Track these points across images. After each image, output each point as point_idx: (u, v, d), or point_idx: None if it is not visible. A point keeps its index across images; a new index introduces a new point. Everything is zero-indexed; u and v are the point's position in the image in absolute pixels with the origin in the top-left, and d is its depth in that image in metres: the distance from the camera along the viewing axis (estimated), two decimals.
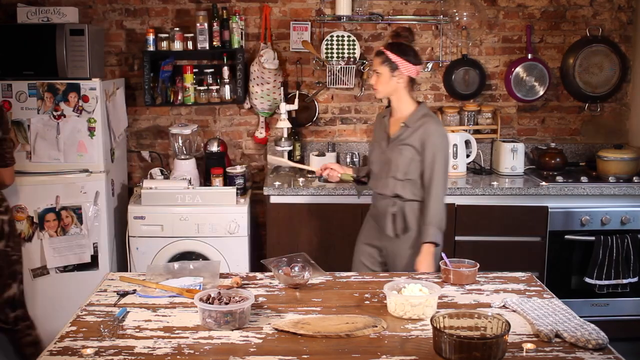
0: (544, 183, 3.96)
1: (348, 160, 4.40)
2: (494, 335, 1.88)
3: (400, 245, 3.01)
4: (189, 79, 4.25)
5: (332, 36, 4.33)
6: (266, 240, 4.01)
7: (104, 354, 1.91)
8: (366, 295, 2.39)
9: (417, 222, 2.97)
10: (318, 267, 2.58)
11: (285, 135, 4.24)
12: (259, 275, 2.63)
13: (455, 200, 3.88)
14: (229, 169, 4.15)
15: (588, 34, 4.44)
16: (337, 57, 4.33)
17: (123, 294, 2.37)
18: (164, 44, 4.19)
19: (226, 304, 2.09)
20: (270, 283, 2.52)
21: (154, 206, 3.85)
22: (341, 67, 4.31)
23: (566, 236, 3.91)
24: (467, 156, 4.30)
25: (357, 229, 3.87)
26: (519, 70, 4.43)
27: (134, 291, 2.40)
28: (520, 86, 4.45)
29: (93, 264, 3.85)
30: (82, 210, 3.78)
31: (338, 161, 4.44)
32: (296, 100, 4.31)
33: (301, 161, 4.43)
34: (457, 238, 3.91)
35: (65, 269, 3.82)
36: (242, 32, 4.31)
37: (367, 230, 3.19)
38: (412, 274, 2.66)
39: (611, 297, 3.96)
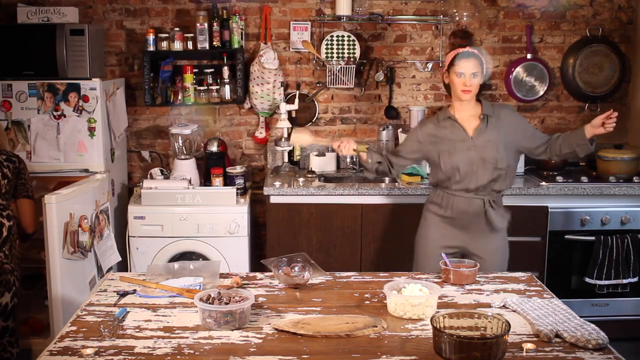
0: (544, 183, 3.96)
1: (348, 160, 4.41)
2: (494, 335, 1.88)
3: (492, 241, 3.08)
4: (189, 79, 4.25)
5: (332, 36, 4.33)
6: (266, 240, 4.01)
7: (104, 354, 1.91)
8: (366, 295, 2.39)
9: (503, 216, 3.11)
10: (318, 267, 2.58)
11: (285, 135, 4.24)
12: (259, 275, 2.63)
13: None
14: (229, 169, 4.15)
15: (588, 34, 4.45)
16: (337, 57, 4.33)
17: (123, 294, 2.37)
18: (164, 44, 4.19)
19: (226, 304, 2.09)
20: (270, 283, 2.52)
21: (154, 206, 3.85)
22: (341, 67, 4.31)
23: (566, 236, 3.91)
24: None
25: (357, 229, 3.90)
26: (519, 70, 4.43)
27: (134, 291, 2.41)
28: (520, 86, 4.45)
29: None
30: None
31: (338, 161, 4.45)
32: (296, 100, 4.31)
33: (297, 163, 4.44)
34: None
35: None
36: (242, 32, 4.31)
37: (442, 233, 3.13)
38: (412, 274, 2.66)
39: (611, 297, 3.96)
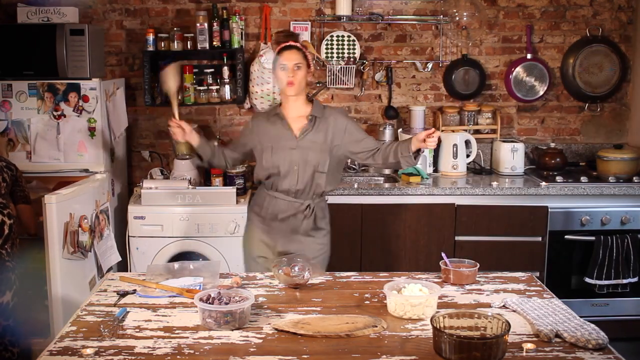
0: (544, 183, 3.96)
1: (348, 160, 4.40)
2: (494, 335, 1.88)
3: (312, 244, 3.05)
4: (189, 79, 4.25)
5: (332, 36, 4.33)
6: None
7: (104, 354, 1.91)
8: (366, 295, 2.39)
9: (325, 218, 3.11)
10: (318, 267, 2.58)
11: None
12: (259, 275, 2.63)
13: (455, 200, 3.88)
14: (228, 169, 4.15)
15: (588, 34, 4.45)
16: (337, 57, 4.33)
17: (123, 294, 2.37)
18: (164, 44, 4.19)
19: (226, 304, 2.09)
20: (270, 283, 2.52)
21: (154, 206, 3.85)
22: (341, 67, 4.32)
23: (566, 236, 3.91)
24: (467, 156, 4.30)
25: (357, 229, 3.90)
26: (519, 70, 4.44)
27: (134, 291, 2.40)
28: (520, 86, 4.45)
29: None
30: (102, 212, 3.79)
31: None
32: None
33: None
34: (457, 238, 3.91)
35: None
36: (242, 32, 4.31)
37: (264, 236, 3.09)
38: (412, 274, 2.66)
39: (611, 297, 3.96)
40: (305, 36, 4.36)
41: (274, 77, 3.04)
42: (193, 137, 2.99)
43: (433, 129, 2.78)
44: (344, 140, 2.98)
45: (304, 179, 2.96)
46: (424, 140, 2.77)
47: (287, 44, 2.96)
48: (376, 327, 2.08)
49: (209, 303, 2.09)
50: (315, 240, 3.07)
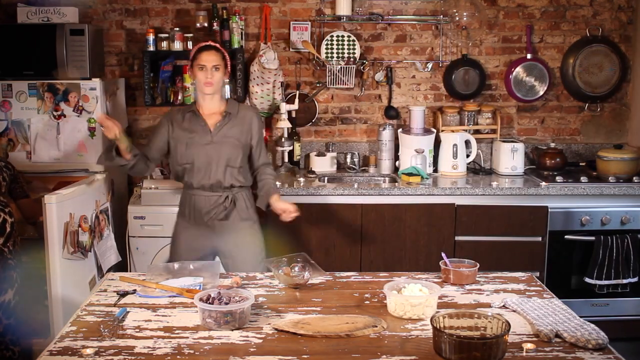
0: (544, 183, 3.96)
1: (348, 160, 4.41)
2: (494, 335, 1.88)
3: (241, 236, 3.18)
4: (189, 79, 4.25)
5: (332, 36, 4.33)
6: (266, 240, 4.00)
7: (104, 354, 1.91)
8: (366, 295, 2.39)
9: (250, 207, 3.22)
10: (318, 267, 2.58)
11: (286, 135, 4.24)
12: (259, 275, 2.63)
13: (455, 200, 3.88)
14: None
15: (588, 34, 4.45)
16: (337, 57, 4.33)
17: (123, 294, 2.37)
18: (164, 44, 4.19)
19: (226, 304, 2.09)
20: (270, 283, 2.52)
21: (154, 206, 3.85)
22: (341, 67, 4.31)
23: (566, 236, 3.91)
24: (467, 156, 4.30)
25: (357, 229, 3.89)
26: (519, 70, 4.43)
27: (134, 291, 2.41)
28: (520, 86, 4.45)
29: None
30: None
31: (338, 162, 4.45)
32: (296, 100, 4.31)
33: (297, 163, 4.44)
34: (457, 238, 3.91)
35: None
36: (242, 32, 4.30)
37: (190, 236, 3.19)
38: (412, 274, 2.66)
39: (611, 297, 3.96)
40: (305, 36, 4.36)
41: (191, 74, 3.15)
42: (122, 137, 3.00)
43: (293, 210, 3.03)
44: (249, 142, 3.16)
45: (217, 173, 3.07)
46: (282, 212, 3.05)
47: (207, 44, 3.10)
48: (376, 327, 2.08)
49: (209, 303, 2.09)
50: (246, 232, 3.18)
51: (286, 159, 4.31)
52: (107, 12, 4.36)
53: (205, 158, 3.07)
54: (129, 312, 2.22)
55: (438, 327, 1.89)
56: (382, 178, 4.30)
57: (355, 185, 3.94)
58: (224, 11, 4.25)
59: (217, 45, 3.14)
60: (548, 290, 2.46)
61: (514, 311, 2.23)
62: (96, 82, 3.79)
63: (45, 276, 3.23)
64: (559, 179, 4.02)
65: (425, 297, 2.19)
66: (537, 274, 3.83)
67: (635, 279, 3.91)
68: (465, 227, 3.89)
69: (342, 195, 3.87)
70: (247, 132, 3.15)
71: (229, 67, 3.18)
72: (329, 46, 4.33)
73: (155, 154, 3.21)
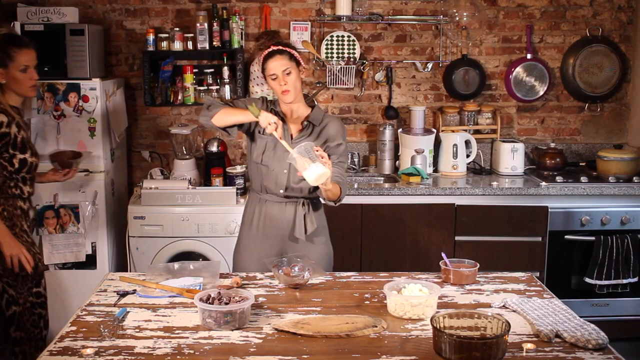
0: (544, 183, 3.96)
1: (348, 160, 4.40)
2: (494, 335, 1.88)
3: (311, 246, 2.89)
4: (189, 79, 4.25)
5: (332, 36, 4.33)
6: None
7: (104, 354, 1.91)
8: (366, 295, 2.39)
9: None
10: (318, 267, 2.58)
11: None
12: (259, 275, 2.63)
13: (455, 200, 3.88)
14: (228, 169, 4.14)
15: (588, 34, 4.45)
16: (337, 57, 4.33)
17: (123, 294, 2.37)
18: (164, 44, 4.19)
19: (226, 304, 2.09)
20: (270, 283, 2.52)
21: (154, 206, 3.85)
22: (341, 67, 4.32)
23: (566, 236, 3.91)
24: (467, 156, 4.30)
25: (357, 229, 3.90)
26: (519, 70, 4.43)
27: (134, 291, 2.41)
28: (520, 86, 4.45)
29: (89, 262, 3.86)
30: (79, 209, 3.79)
31: None
32: None
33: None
34: (457, 238, 3.91)
35: (64, 266, 3.84)
36: (242, 32, 4.31)
37: (260, 244, 2.92)
38: (412, 274, 2.66)
39: (611, 297, 3.96)
40: (305, 36, 4.36)
41: (267, 84, 2.89)
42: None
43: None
44: (328, 150, 2.80)
45: (293, 181, 2.81)
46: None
47: (269, 50, 2.81)
48: (376, 327, 2.08)
49: (209, 303, 2.09)
50: (315, 247, 2.93)
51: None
52: (107, 12, 4.36)
53: (280, 164, 2.80)
54: (129, 312, 2.22)
55: (438, 327, 1.89)
56: (382, 178, 4.31)
57: (355, 185, 3.94)
58: (224, 11, 4.25)
59: (280, 47, 2.81)
60: (548, 290, 2.46)
61: (514, 311, 2.23)
62: (96, 82, 3.79)
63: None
64: (559, 179, 4.03)
65: (425, 297, 2.19)
66: (537, 274, 3.83)
67: (635, 279, 3.91)
68: (465, 227, 3.89)
69: None
70: (326, 141, 2.84)
71: (302, 63, 2.88)
72: (329, 46, 4.33)
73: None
